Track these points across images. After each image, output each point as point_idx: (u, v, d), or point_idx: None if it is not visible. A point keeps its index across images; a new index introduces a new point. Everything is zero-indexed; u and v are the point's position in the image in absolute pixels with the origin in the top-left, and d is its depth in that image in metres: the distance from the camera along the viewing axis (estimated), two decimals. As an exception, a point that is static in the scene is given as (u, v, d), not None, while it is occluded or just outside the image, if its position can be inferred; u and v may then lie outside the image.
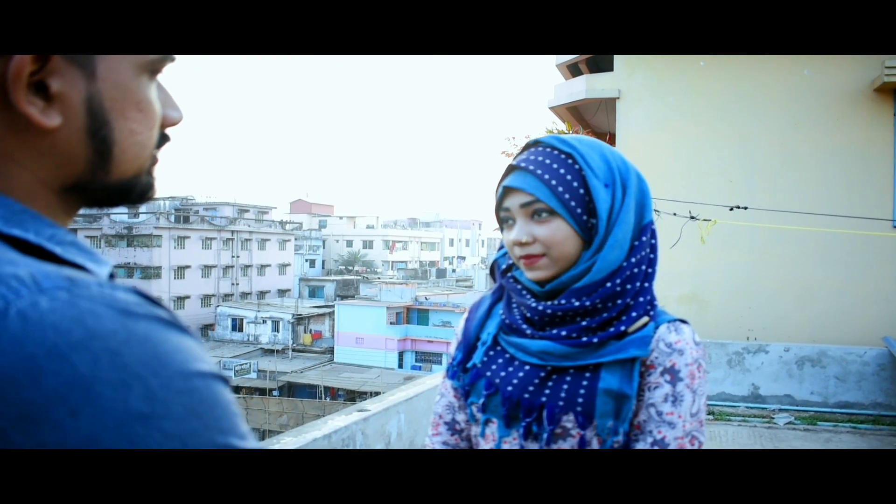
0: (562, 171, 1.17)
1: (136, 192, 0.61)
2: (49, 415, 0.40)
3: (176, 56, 0.61)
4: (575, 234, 1.16)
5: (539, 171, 1.17)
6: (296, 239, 58.00)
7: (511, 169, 1.21)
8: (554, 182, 1.16)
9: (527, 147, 1.25)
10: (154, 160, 0.62)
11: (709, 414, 7.26)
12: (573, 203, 1.16)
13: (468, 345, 1.29)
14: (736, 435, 6.72)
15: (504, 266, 1.31)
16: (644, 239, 1.19)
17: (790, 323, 8.40)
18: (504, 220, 1.23)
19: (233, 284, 48.61)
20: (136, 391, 0.42)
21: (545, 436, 1.14)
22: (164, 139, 0.63)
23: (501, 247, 1.33)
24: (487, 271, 1.42)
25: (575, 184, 1.16)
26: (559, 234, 1.16)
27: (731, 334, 8.41)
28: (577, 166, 1.17)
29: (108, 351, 0.42)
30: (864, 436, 6.80)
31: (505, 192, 1.21)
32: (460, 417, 1.31)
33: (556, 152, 1.19)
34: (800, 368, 7.71)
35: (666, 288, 8.26)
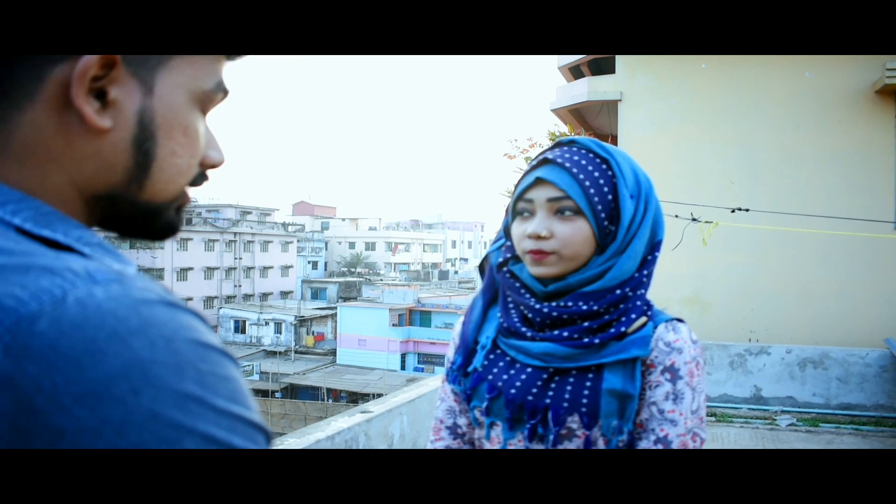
0: (596, 174, 1.18)
1: (160, 222, 0.61)
2: (112, 392, 0.43)
3: (229, 93, 0.63)
4: (592, 238, 1.17)
5: (574, 170, 1.17)
6: (298, 241, 57.86)
7: (544, 161, 1.21)
8: (587, 183, 1.17)
9: (559, 144, 1.24)
10: (186, 197, 0.63)
11: (711, 415, 7.24)
12: (600, 207, 1.17)
13: (467, 349, 1.28)
14: (738, 437, 6.71)
15: (499, 261, 1.29)
16: (656, 255, 1.22)
17: (792, 324, 8.39)
18: (520, 212, 1.22)
19: (235, 286, 48.56)
20: (189, 374, 0.46)
21: (551, 437, 1.15)
22: (201, 178, 0.64)
23: (496, 240, 1.33)
24: (477, 267, 1.40)
25: (605, 189, 1.18)
26: (579, 235, 1.17)
27: (733, 336, 8.40)
28: (610, 172, 1.19)
29: (163, 338, 0.46)
30: (866, 437, 6.79)
31: (533, 182, 1.20)
32: (462, 421, 1.31)
33: (591, 155, 1.20)
34: (802, 370, 7.70)
35: (668, 290, 8.25)
